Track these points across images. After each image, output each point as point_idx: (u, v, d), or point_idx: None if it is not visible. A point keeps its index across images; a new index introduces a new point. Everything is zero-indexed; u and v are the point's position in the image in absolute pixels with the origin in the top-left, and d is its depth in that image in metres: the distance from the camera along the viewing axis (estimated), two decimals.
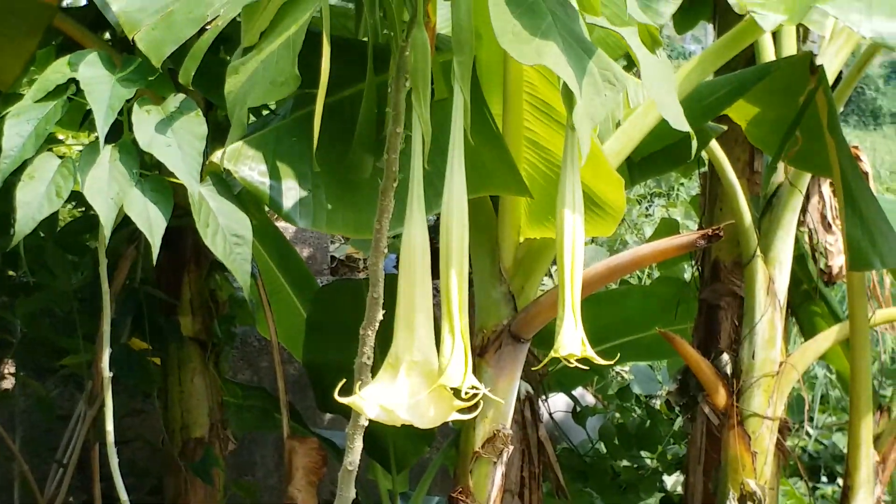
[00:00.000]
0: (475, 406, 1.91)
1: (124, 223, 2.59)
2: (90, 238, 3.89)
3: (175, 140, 2.43)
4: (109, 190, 2.42)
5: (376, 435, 4.20)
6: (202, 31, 2.32)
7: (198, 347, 3.90)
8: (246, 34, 2.02)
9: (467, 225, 1.97)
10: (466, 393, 1.89)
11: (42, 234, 3.69)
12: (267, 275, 4.31)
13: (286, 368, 4.98)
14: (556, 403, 5.30)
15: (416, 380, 1.92)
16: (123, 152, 2.47)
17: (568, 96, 1.98)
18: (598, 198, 2.78)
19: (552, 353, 1.98)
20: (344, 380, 2.00)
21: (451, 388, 1.90)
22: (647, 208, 10.59)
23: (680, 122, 1.93)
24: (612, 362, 2.09)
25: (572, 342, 1.97)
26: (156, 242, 2.44)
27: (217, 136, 2.70)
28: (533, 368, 3.44)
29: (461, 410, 1.92)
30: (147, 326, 3.81)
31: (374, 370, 2.06)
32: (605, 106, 1.87)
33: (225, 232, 2.52)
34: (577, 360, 1.98)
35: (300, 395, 5.03)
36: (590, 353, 1.98)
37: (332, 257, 7.06)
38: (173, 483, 3.91)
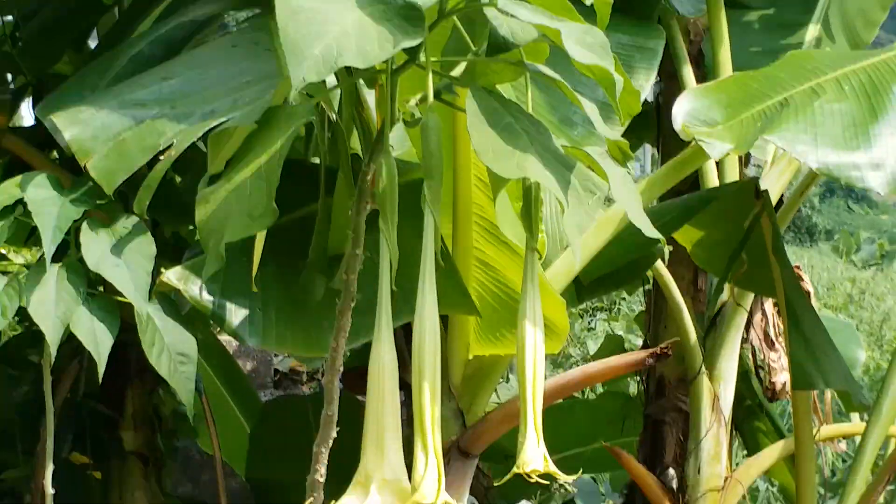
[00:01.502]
0: None
1: (68, 338, 2.59)
2: (32, 353, 3.86)
3: (124, 261, 2.44)
4: (56, 309, 2.43)
5: None
6: (154, 158, 2.35)
7: (139, 462, 3.86)
8: (212, 162, 2.04)
9: (439, 343, 1.99)
10: None
11: None
12: (210, 389, 4.29)
13: (228, 482, 4.91)
14: None
15: (387, 498, 1.93)
16: (70, 271, 2.49)
17: (527, 217, 2.02)
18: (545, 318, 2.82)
19: (515, 470, 1.99)
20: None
21: None
22: (589, 322, 10.65)
23: (652, 232, 1.98)
24: (574, 477, 2.10)
25: (535, 458, 1.97)
26: (102, 360, 2.45)
27: (163, 253, 2.72)
28: (496, 483, 3.45)
29: None
30: (89, 441, 3.77)
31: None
32: (590, 215, 1.92)
33: (170, 351, 2.54)
34: (539, 476, 2.00)
35: None
36: (552, 468, 2.00)
37: (276, 370, 7.02)
38: None
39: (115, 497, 3.85)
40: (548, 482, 2.01)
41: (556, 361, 8.71)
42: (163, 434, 3.99)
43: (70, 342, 2.83)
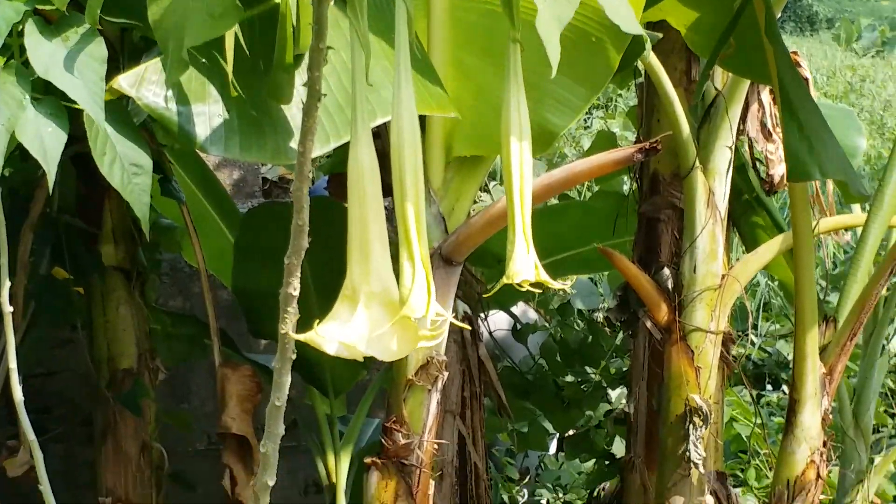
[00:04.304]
0: (439, 333, 1.83)
1: None
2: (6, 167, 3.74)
3: (74, 65, 2.27)
4: (0, 116, 2.27)
5: (312, 360, 4.11)
6: None
7: (122, 276, 3.78)
8: None
9: (420, 141, 1.86)
10: (432, 321, 1.80)
11: None
12: (191, 200, 4.17)
13: (219, 294, 4.86)
14: (498, 321, 5.22)
15: (376, 311, 1.82)
16: (17, 75, 2.31)
17: (508, 5, 1.87)
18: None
19: (504, 280, 1.90)
20: (298, 315, 1.94)
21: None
22: (585, 121, 10.45)
23: (631, 26, 1.82)
24: (566, 285, 2.01)
25: (525, 267, 1.89)
26: (51, 170, 2.30)
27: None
28: (484, 295, 3.38)
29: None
30: (67, 257, 3.68)
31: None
32: (572, 3, 1.76)
33: (123, 161, 2.38)
34: (531, 285, 1.91)
35: (234, 322, 4.90)
36: (544, 276, 1.90)
37: (265, 179, 6.90)
38: (102, 416, 3.82)
39: (99, 312, 3.79)
40: (540, 290, 1.93)
41: (551, 161, 8.57)
42: (144, 247, 3.89)
43: None
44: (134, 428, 3.82)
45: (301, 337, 1.82)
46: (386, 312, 1.80)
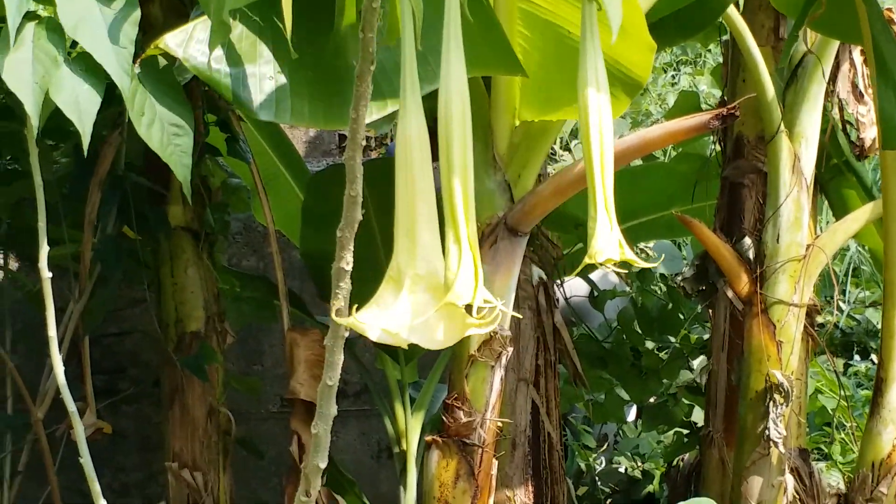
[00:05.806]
0: (491, 321, 1.70)
1: (108, 104, 2.36)
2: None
3: (105, 24, 2.17)
4: (34, 74, 2.17)
5: None
6: None
7: (190, 237, 3.73)
8: None
9: (469, 111, 1.73)
10: (480, 308, 1.67)
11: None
12: (262, 159, 4.08)
13: (293, 254, 4.78)
14: (575, 287, 5.07)
15: (421, 296, 1.70)
16: (49, 30, 2.21)
17: None
18: (620, 64, 2.54)
19: (586, 260, 1.80)
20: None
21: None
22: (673, 77, 10.15)
23: None
24: (654, 265, 1.89)
25: (609, 246, 1.78)
26: (86, 131, 2.21)
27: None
28: (570, 274, 3.26)
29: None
30: (134, 217, 3.62)
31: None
32: None
33: (163, 121, 2.28)
34: (615, 264, 1.80)
35: (307, 283, 4.82)
36: (629, 255, 1.79)
37: (341, 136, 6.79)
38: (170, 379, 3.77)
39: (167, 274, 3.74)
40: (626, 270, 1.81)
41: (636, 120, 8.36)
42: (213, 208, 3.82)
43: (107, 109, 2.62)
44: (201, 392, 3.76)
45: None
46: (432, 298, 1.67)
